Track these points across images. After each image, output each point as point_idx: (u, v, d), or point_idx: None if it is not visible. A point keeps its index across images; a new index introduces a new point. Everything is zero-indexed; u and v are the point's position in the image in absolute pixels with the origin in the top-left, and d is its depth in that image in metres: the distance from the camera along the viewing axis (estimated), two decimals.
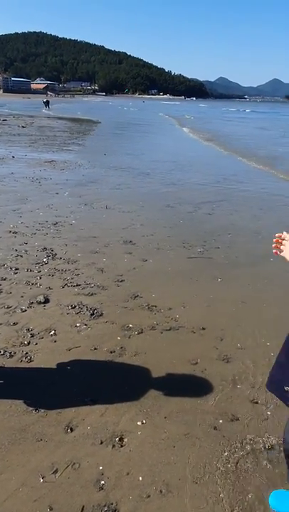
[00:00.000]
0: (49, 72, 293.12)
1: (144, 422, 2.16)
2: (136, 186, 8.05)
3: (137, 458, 1.94)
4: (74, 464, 1.89)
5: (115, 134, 19.18)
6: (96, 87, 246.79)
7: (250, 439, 2.07)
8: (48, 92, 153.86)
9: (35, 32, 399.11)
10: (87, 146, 14.01)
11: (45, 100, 43.20)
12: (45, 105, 41.01)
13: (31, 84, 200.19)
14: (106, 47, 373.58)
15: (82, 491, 1.76)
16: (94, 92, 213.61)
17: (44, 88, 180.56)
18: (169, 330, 3.07)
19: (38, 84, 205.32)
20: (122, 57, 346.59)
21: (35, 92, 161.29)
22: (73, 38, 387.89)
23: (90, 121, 25.50)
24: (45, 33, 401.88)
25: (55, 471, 1.84)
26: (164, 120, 35.19)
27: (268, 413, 2.26)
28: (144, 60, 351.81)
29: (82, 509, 1.68)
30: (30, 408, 2.22)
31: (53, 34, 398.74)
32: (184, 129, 24.90)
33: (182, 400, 2.32)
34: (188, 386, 2.47)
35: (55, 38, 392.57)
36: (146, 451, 1.98)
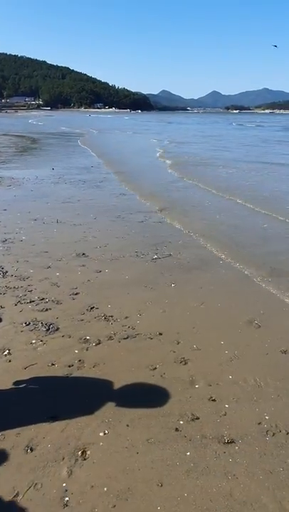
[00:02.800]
0: None
1: (106, 432, 2.15)
2: (86, 199, 8.04)
3: (100, 469, 1.92)
4: (36, 484, 1.84)
5: (63, 147, 19.05)
6: (41, 102, 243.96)
7: (211, 436, 2.13)
8: None
9: None
10: (33, 161, 13.78)
11: None
12: None
13: None
14: (48, 62, 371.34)
15: (46, 510, 1.71)
16: (39, 107, 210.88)
17: None
18: (127, 338, 3.09)
19: None
20: (65, 72, 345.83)
21: None
22: (13, 53, 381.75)
23: (32, 137, 25.13)
24: None
25: (17, 495, 1.78)
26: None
27: (226, 407, 2.34)
28: (88, 74, 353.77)
29: None
30: None
31: None
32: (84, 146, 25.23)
33: (143, 406, 2.34)
34: (149, 391, 2.49)
35: None
36: (109, 460, 1.97)
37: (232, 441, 2.10)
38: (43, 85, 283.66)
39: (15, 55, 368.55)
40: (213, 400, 2.40)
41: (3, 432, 2.13)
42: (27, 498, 1.77)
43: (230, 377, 2.63)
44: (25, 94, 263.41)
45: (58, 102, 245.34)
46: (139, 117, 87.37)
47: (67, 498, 1.77)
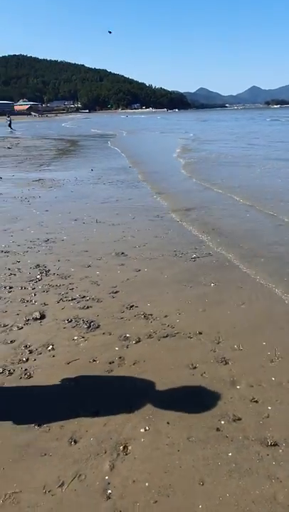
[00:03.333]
0: (32, 93, 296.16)
1: (147, 428, 2.17)
2: (125, 199, 8.13)
3: (141, 465, 1.95)
4: (80, 475, 1.90)
5: (100, 149, 19.39)
6: (79, 105, 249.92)
7: (253, 438, 2.09)
8: (32, 113, 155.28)
9: (15, 55, 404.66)
10: (73, 163, 14.14)
11: (7, 120, 41.77)
12: (8, 126, 39.63)
13: (15, 106, 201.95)
14: (86, 65, 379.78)
15: (89, 501, 1.76)
16: (77, 110, 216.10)
17: (28, 109, 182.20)
18: (166, 337, 3.10)
19: (22, 105, 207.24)
20: (102, 75, 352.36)
21: (19, 113, 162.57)
22: (53, 59, 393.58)
23: (74, 140, 25.73)
24: (26, 56, 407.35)
25: (62, 484, 1.85)
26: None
27: (269, 409, 2.28)
28: (125, 75, 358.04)
29: None
30: (33, 424, 2.22)
31: (33, 56, 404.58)
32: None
33: (183, 404, 2.34)
34: (189, 390, 2.49)
35: (36, 60, 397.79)
36: (150, 457, 1.99)
37: (275, 444, 2.05)
38: (82, 88, 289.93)
39: (55, 61, 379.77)
40: (256, 402, 2.35)
41: (48, 424, 2.21)
42: (71, 488, 1.83)
43: (273, 378, 2.57)
44: (65, 98, 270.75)
45: (95, 104, 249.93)
46: (174, 116, 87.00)
47: (109, 491, 1.81)
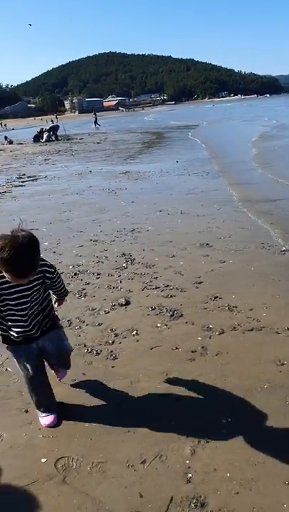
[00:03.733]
0: (120, 89, 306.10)
1: (229, 420, 2.15)
2: (210, 189, 8.01)
3: (223, 454, 1.94)
4: (161, 455, 1.95)
5: (185, 141, 19.28)
6: (165, 97, 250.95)
7: None
8: (120, 108, 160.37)
9: (104, 53, 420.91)
10: (159, 156, 14.30)
11: (93, 117, 42.69)
12: (94, 123, 40.05)
13: (103, 103, 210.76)
14: (173, 56, 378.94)
15: (170, 482, 1.81)
16: (163, 102, 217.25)
17: (116, 105, 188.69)
18: (252, 330, 3.01)
19: (110, 101, 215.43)
20: (189, 64, 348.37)
21: (108, 109, 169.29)
22: (141, 53, 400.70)
23: (158, 132, 25.95)
24: (115, 52, 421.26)
25: (144, 462, 1.93)
26: None
27: None
28: (212, 63, 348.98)
29: (172, 499, 1.73)
30: (118, 401, 2.34)
31: (122, 52, 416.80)
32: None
33: (268, 399, 2.26)
34: (275, 385, 2.39)
35: (124, 56, 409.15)
36: (232, 448, 1.97)
37: None
38: (168, 80, 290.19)
39: (142, 54, 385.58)
40: None
41: (132, 404, 2.31)
42: (153, 466, 1.90)
43: None
44: (151, 91, 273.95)
45: (181, 95, 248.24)
46: (262, 102, 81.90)
47: (190, 475, 1.84)
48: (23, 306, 1.94)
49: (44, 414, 2.22)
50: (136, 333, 3.09)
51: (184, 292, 3.70)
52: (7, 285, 1.86)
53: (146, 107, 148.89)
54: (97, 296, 3.74)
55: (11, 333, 2.01)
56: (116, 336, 3.07)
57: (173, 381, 2.51)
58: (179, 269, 4.21)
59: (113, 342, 2.99)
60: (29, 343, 2.06)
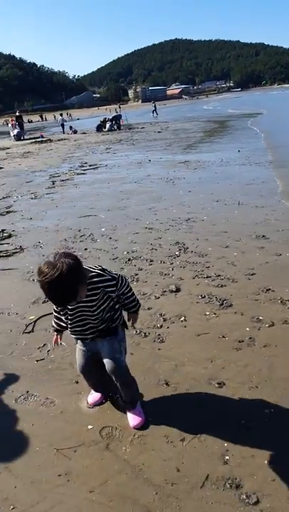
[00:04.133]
0: (184, 76, 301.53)
1: (271, 410, 2.14)
2: (271, 180, 7.72)
3: (262, 443, 1.95)
4: (200, 436, 2.02)
5: (246, 129, 18.60)
6: (231, 84, 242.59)
7: None
8: (183, 96, 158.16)
9: (170, 40, 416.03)
10: (220, 145, 13.99)
11: (152, 106, 42.12)
12: (152, 112, 39.51)
13: (167, 91, 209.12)
14: (241, 41, 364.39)
15: (207, 461, 1.88)
16: (229, 89, 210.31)
17: (179, 93, 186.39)
18: None
19: (173, 89, 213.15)
20: (259, 49, 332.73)
21: (171, 97, 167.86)
22: (207, 39, 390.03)
23: (220, 121, 25.29)
24: (180, 39, 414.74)
25: (183, 440, 2.01)
26: None
27: None
28: (284, 46, 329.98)
29: (207, 477, 1.79)
30: (162, 382, 2.43)
31: (188, 39, 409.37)
32: None
33: None
34: None
35: (190, 42, 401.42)
36: (272, 437, 1.97)
37: None
38: (235, 66, 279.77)
39: (209, 40, 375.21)
40: None
41: (176, 385, 2.40)
42: (192, 445, 1.97)
43: None
44: (217, 78, 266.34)
45: (249, 81, 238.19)
46: None
47: (227, 457, 1.89)
48: (80, 318, 1.96)
49: (92, 392, 2.35)
50: (184, 319, 3.15)
51: (236, 283, 3.68)
52: None
53: (210, 95, 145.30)
54: (148, 281, 3.85)
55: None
56: (164, 320, 3.16)
57: (217, 368, 2.54)
58: (232, 260, 4.18)
59: (161, 326, 3.08)
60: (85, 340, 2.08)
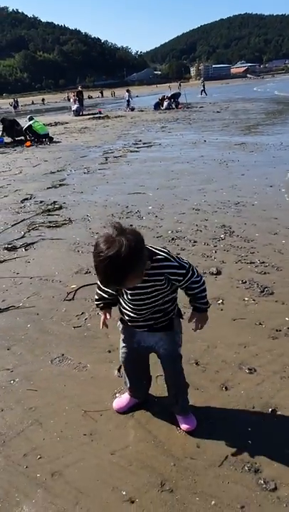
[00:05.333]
0: (251, 54, 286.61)
1: None
2: None
3: (287, 433, 1.91)
4: (224, 419, 2.02)
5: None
6: None
7: None
8: (248, 75, 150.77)
9: (239, 14, 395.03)
10: (282, 127, 13.26)
11: (201, 85, 40.36)
12: (201, 92, 37.40)
13: (231, 69, 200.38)
14: None
15: (228, 443, 1.88)
16: None
17: (244, 71, 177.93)
18: None
19: (238, 68, 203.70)
20: None
21: (235, 76, 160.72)
22: (280, 13, 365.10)
23: (285, 103, 23.84)
24: (250, 14, 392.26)
25: (206, 418, 2.02)
26: None
27: None
28: None
29: (226, 457, 1.80)
30: (192, 361, 2.45)
31: (258, 13, 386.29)
32: None
33: None
34: None
35: (261, 17, 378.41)
36: None
37: None
38: None
39: (282, 15, 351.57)
40: None
41: (205, 365, 2.40)
42: (213, 425, 1.98)
43: None
44: (287, 57, 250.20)
45: None
46: None
47: (249, 441, 1.88)
48: (137, 303, 1.72)
49: (123, 395, 2.16)
50: (221, 302, 3.11)
51: (280, 271, 3.54)
52: None
53: (277, 74, 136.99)
54: (190, 262, 3.81)
55: (123, 315, 1.85)
56: None
57: (250, 354, 2.50)
58: (279, 248, 4.02)
59: None
60: (135, 330, 1.87)
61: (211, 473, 1.74)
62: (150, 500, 1.65)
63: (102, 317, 1.90)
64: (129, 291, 1.69)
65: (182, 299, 1.94)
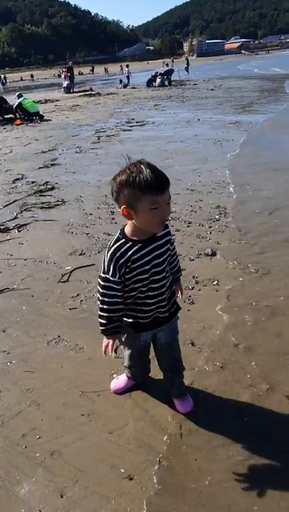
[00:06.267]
0: (245, 29, 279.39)
1: None
2: None
3: (282, 412, 1.95)
4: (220, 396, 2.05)
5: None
6: None
7: None
8: (242, 51, 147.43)
9: None
10: (276, 106, 13.06)
11: (186, 63, 38.35)
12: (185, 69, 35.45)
13: (225, 45, 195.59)
14: None
15: (223, 419, 1.91)
16: None
17: (238, 47, 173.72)
18: None
19: (232, 43, 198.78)
20: None
21: (229, 52, 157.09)
22: None
23: (278, 80, 23.42)
24: None
25: (202, 399, 2.05)
26: None
27: None
28: None
29: (222, 435, 1.84)
30: (188, 342, 2.47)
31: None
32: None
33: None
34: None
35: None
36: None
37: None
38: None
39: None
40: None
41: (201, 346, 2.42)
42: (210, 403, 2.01)
43: None
44: (282, 32, 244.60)
45: None
46: None
47: (245, 419, 1.91)
48: (159, 269, 1.63)
49: (121, 376, 2.16)
50: (216, 283, 3.12)
51: (276, 251, 3.55)
52: (132, 251, 1.56)
53: (272, 50, 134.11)
54: (184, 243, 3.81)
55: (138, 314, 1.71)
56: (196, 283, 3.14)
57: (246, 333, 2.52)
58: (273, 228, 4.01)
59: (193, 288, 3.07)
60: (152, 328, 1.77)
61: (207, 450, 1.78)
62: (148, 477, 1.68)
63: (110, 342, 1.67)
64: (148, 266, 1.59)
65: None
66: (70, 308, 2.95)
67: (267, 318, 2.67)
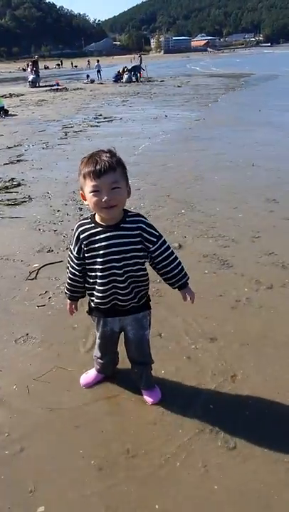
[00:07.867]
0: (211, 27, 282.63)
1: (259, 368, 2.21)
2: (287, 142, 7.45)
3: (247, 397, 2.04)
4: (188, 386, 2.11)
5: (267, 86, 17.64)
6: (260, 38, 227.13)
7: None
8: (208, 49, 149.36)
9: None
10: (238, 103, 13.38)
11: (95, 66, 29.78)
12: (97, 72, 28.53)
13: (191, 42, 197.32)
14: None
15: (193, 408, 1.97)
16: (258, 44, 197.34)
17: (204, 45, 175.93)
18: None
19: (198, 41, 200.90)
20: None
21: (195, 49, 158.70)
22: None
23: (241, 75, 23.98)
24: None
25: (170, 389, 2.10)
26: None
27: None
28: None
29: (189, 422, 1.89)
30: (155, 334, 2.51)
31: None
32: None
33: None
34: None
35: None
36: (259, 391, 2.05)
37: None
38: (267, 18, 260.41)
39: None
40: None
41: (168, 337, 2.47)
42: (175, 392, 2.07)
43: None
44: (246, 31, 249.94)
45: (280, 36, 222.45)
46: None
47: (211, 406, 1.98)
48: (117, 257, 1.68)
49: (90, 371, 2.19)
50: None
51: (239, 244, 3.67)
52: (91, 232, 1.68)
53: (237, 49, 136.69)
54: None
55: (97, 295, 1.78)
56: None
57: (211, 324, 2.60)
58: (238, 222, 4.14)
59: (160, 281, 3.10)
60: (108, 316, 1.86)
61: (176, 438, 1.83)
62: (117, 466, 1.72)
63: (68, 307, 1.97)
64: (103, 251, 1.67)
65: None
66: (38, 306, 2.92)
67: (231, 309, 2.75)
